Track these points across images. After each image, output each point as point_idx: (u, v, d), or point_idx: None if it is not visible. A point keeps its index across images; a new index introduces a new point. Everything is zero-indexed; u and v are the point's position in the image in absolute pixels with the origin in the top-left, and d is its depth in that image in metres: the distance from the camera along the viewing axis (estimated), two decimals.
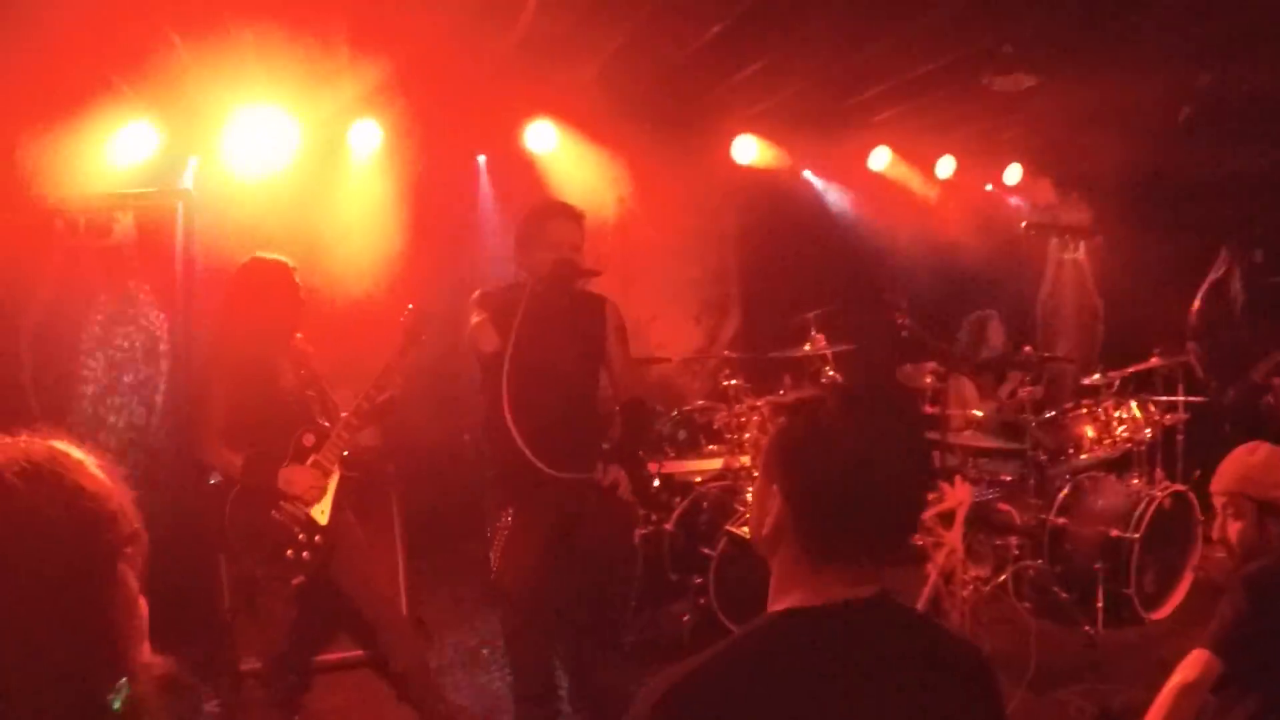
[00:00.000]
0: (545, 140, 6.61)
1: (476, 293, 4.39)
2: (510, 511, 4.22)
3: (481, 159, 6.88)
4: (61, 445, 1.35)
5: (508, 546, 4.21)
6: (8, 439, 1.32)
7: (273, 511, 4.19)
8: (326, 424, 4.41)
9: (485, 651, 5.67)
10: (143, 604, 1.38)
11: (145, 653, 1.37)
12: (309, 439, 4.33)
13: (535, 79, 6.04)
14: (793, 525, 1.59)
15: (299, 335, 4.59)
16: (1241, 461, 3.10)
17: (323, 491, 4.30)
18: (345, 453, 4.39)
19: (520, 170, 6.75)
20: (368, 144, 6.22)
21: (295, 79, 5.36)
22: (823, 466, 1.56)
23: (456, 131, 6.52)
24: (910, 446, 1.60)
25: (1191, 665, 2.74)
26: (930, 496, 4.28)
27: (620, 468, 4.28)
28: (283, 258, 4.50)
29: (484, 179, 6.87)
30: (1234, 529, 3.05)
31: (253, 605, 4.45)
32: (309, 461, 4.28)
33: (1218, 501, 3.13)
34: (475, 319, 4.22)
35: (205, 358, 4.56)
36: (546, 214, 4.39)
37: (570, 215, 4.35)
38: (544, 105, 6.51)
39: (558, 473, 4.11)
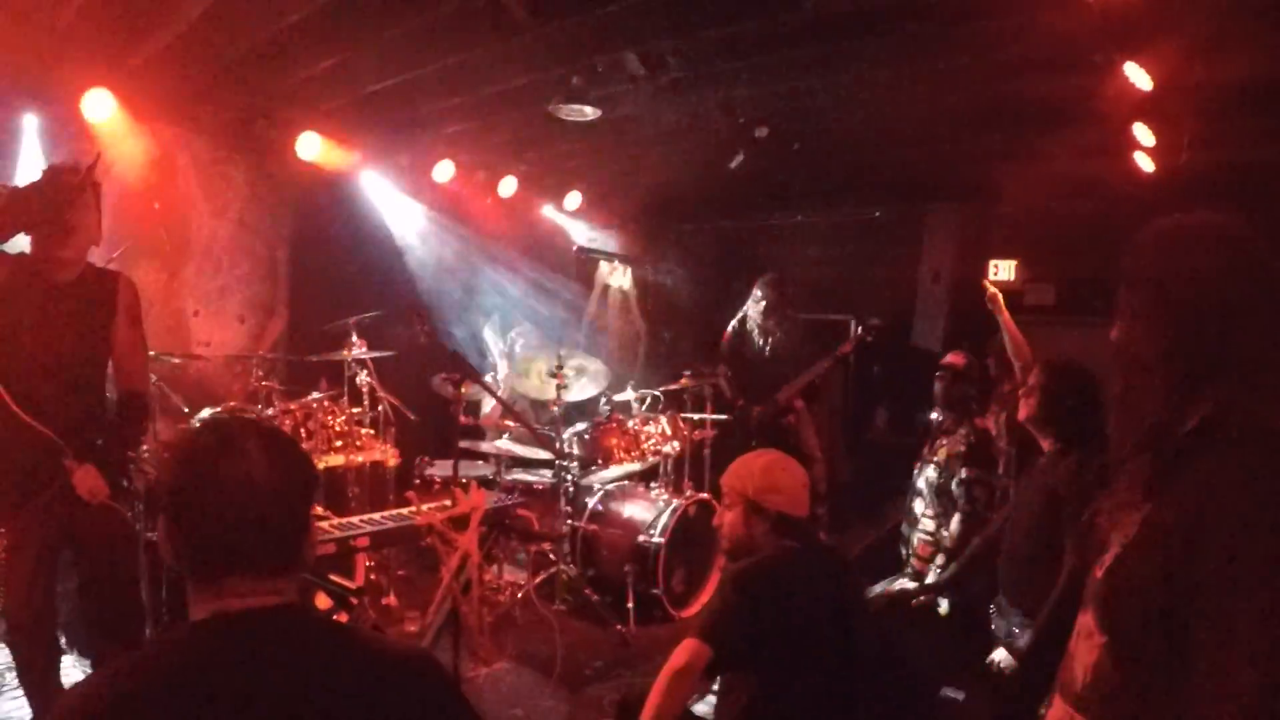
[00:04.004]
0: (102, 110, 6.10)
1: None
2: (2, 532, 3.78)
3: (31, 118, 6.22)
4: None
5: (4, 573, 3.77)
6: None
7: None
8: None
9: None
10: None
11: None
12: None
13: (97, 46, 5.55)
14: (175, 549, 1.72)
15: None
16: (745, 463, 3.44)
17: None
18: None
19: (75, 137, 6.16)
20: None
21: None
22: (190, 489, 1.69)
23: (6, 87, 5.89)
24: (278, 466, 1.72)
25: (684, 652, 2.99)
26: (444, 501, 4.41)
27: (90, 468, 3.79)
28: None
29: (30, 139, 6.20)
30: (728, 518, 3.40)
31: None
32: None
33: (722, 494, 3.47)
34: None
35: None
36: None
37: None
38: (104, 74, 5.99)
39: (49, 480, 3.73)
